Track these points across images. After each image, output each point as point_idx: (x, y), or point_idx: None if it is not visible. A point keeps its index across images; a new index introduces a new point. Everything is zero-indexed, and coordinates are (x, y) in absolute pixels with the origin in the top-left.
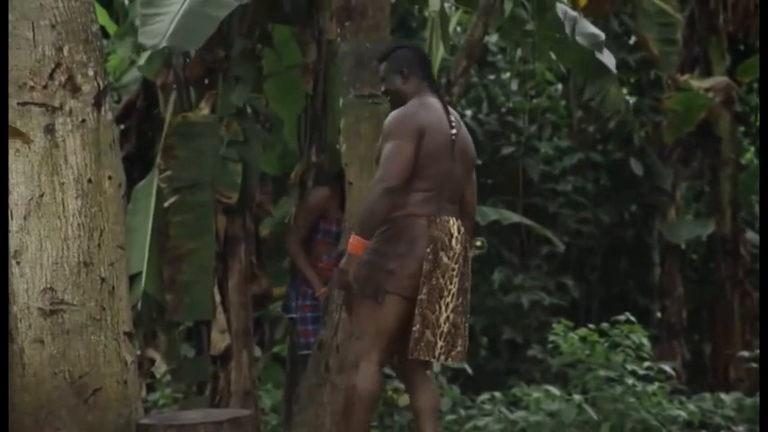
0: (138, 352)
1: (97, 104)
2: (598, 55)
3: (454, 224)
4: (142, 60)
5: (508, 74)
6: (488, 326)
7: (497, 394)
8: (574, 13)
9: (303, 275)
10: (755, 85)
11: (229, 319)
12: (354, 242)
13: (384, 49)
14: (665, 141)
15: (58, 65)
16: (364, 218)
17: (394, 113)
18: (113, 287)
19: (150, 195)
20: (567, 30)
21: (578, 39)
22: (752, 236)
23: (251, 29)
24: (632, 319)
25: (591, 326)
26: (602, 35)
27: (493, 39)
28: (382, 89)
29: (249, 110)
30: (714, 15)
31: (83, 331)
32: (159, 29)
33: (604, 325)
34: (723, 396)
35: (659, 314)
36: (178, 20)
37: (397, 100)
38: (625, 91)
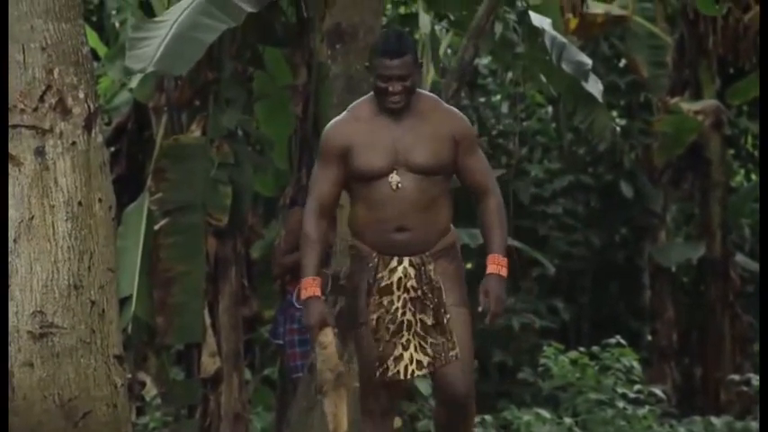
0: (129, 375)
1: (87, 127)
2: (584, 84)
3: None
4: (134, 83)
5: (499, 96)
6: (478, 348)
7: (488, 417)
8: (563, 40)
9: (290, 299)
10: (745, 108)
11: (220, 342)
12: (505, 263)
13: (395, 37)
14: (656, 164)
15: (48, 87)
16: (506, 235)
17: (463, 115)
18: (103, 310)
19: (141, 218)
20: (554, 57)
21: (564, 66)
22: (742, 259)
23: (241, 51)
24: (623, 342)
25: (581, 349)
26: (589, 63)
27: (483, 61)
28: (402, 87)
29: (240, 132)
30: (704, 38)
31: (72, 354)
32: (147, 53)
33: (595, 348)
34: (713, 419)
35: (650, 337)
36: (166, 44)
37: (409, 100)
38: (615, 114)
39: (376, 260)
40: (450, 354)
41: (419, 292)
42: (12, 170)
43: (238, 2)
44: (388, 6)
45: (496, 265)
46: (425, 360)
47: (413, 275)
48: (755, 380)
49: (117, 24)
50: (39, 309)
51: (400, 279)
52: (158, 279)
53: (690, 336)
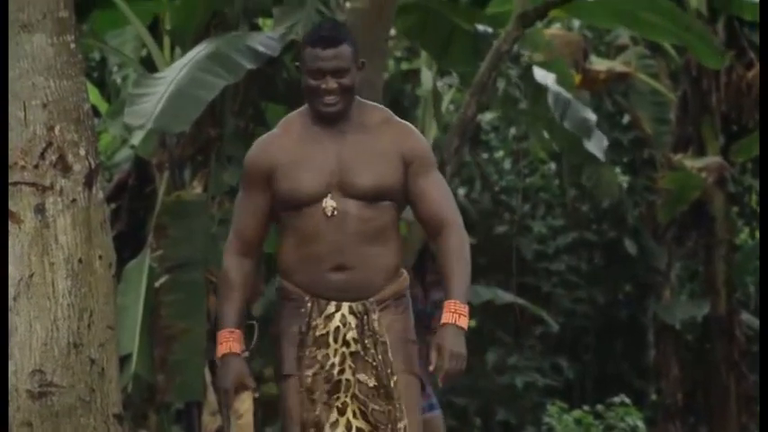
0: None
1: (88, 184)
2: (586, 143)
3: None
4: (137, 139)
5: (501, 152)
6: (482, 407)
7: None
8: (567, 96)
9: None
10: (749, 166)
11: (221, 400)
12: (464, 311)
13: (329, 24)
14: (659, 221)
15: (49, 144)
16: (468, 278)
17: (418, 132)
18: (103, 368)
19: (141, 275)
20: (557, 115)
21: (566, 124)
22: (747, 317)
23: (243, 107)
24: (627, 400)
25: (586, 407)
26: (594, 119)
27: (486, 117)
28: (337, 84)
29: None
30: (707, 95)
31: (72, 414)
32: (145, 109)
33: (599, 407)
34: None
35: (654, 395)
36: (165, 101)
37: (347, 104)
38: (618, 170)
39: (309, 305)
40: (399, 425)
41: (359, 346)
42: (12, 227)
43: (239, 58)
44: (390, 62)
45: (453, 314)
46: (366, 429)
47: (354, 325)
48: None
49: (118, 81)
50: (38, 368)
51: (338, 328)
52: (159, 337)
53: (695, 395)
